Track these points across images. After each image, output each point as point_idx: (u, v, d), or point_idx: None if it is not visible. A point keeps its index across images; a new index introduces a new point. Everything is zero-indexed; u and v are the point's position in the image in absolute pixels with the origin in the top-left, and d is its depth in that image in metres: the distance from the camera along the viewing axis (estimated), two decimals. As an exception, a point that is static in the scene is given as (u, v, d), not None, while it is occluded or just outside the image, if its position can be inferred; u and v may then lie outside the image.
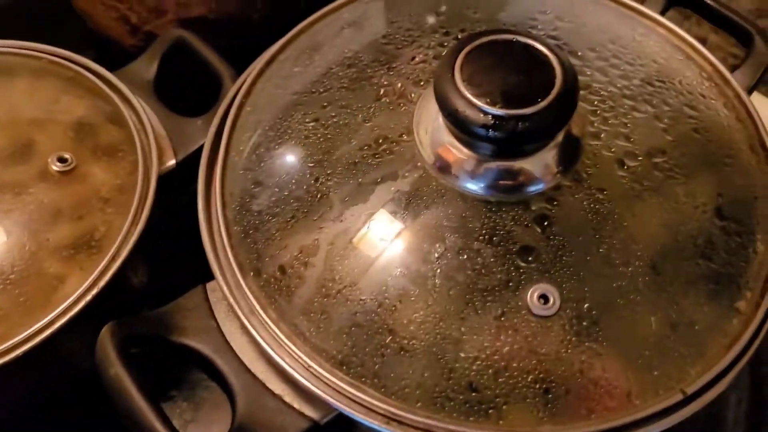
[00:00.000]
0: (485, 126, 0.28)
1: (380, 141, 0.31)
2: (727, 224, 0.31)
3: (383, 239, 0.29)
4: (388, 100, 0.33)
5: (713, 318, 0.28)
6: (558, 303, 0.28)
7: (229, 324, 0.30)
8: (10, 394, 0.35)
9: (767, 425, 0.37)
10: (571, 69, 0.29)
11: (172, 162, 0.37)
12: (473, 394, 0.27)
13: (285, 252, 0.30)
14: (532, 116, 0.27)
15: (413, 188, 0.30)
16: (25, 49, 0.40)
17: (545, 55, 0.29)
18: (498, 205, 0.29)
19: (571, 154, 0.30)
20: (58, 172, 0.36)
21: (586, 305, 0.28)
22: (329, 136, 0.32)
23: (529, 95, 0.28)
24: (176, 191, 0.38)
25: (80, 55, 0.41)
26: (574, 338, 0.27)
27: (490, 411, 0.27)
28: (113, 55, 0.49)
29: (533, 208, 0.29)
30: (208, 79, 0.42)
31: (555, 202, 0.29)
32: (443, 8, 0.37)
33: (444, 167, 0.30)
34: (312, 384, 0.27)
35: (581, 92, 0.30)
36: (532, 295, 0.28)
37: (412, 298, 0.28)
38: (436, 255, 0.28)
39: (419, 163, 0.30)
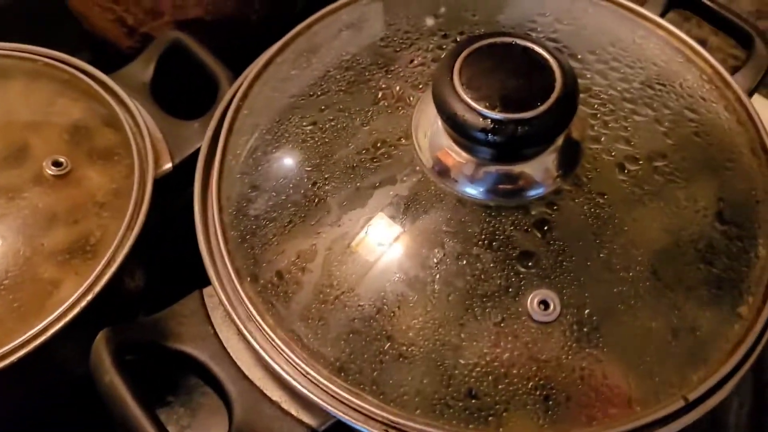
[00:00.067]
0: (484, 130, 0.27)
1: (378, 145, 0.31)
2: (729, 228, 0.30)
3: (381, 244, 0.29)
4: (386, 104, 0.32)
5: (715, 323, 0.28)
6: (558, 309, 0.27)
7: (226, 330, 0.30)
8: (4, 401, 0.35)
9: (768, 430, 0.37)
10: (571, 72, 0.28)
11: (168, 165, 0.37)
12: (473, 401, 0.27)
13: (282, 257, 0.30)
14: (532, 120, 0.27)
15: (412, 193, 0.30)
16: (19, 51, 0.40)
17: (545, 58, 0.28)
18: (497, 209, 0.29)
19: (571, 158, 0.30)
20: (53, 176, 0.35)
21: (586, 311, 0.28)
22: (327, 140, 0.32)
23: (528, 99, 0.27)
24: (172, 195, 0.38)
25: (76, 57, 0.41)
26: (574, 344, 0.27)
27: (490, 418, 0.27)
28: (109, 57, 0.48)
29: (533, 212, 0.29)
30: (204, 82, 0.41)
31: (555, 207, 0.29)
32: (442, 10, 0.36)
33: (443, 171, 0.30)
34: (310, 391, 0.27)
35: (581, 95, 0.30)
36: (532, 300, 0.27)
37: (411, 304, 0.28)
38: (435, 260, 0.28)
39: (418, 168, 0.30)
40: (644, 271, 0.28)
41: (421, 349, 0.27)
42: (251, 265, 0.30)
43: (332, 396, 0.27)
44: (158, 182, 0.36)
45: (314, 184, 0.31)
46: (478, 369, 0.27)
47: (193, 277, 0.33)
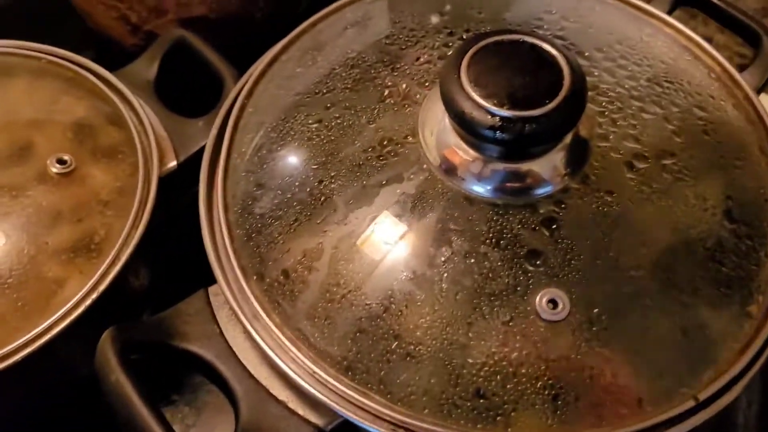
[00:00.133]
0: (492, 128, 0.27)
1: (385, 143, 0.31)
2: (738, 227, 0.30)
3: (388, 243, 0.29)
4: (392, 102, 0.32)
5: (725, 322, 0.28)
6: (567, 308, 0.27)
7: (231, 329, 0.30)
8: (8, 400, 0.35)
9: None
10: (580, 70, 0.28)
11: (173, 163, 0.37)
12: (481, 400, 0.26)
13: (288, 256, 0.30)
14: (540, 118, 0.27)
15: (419, 191, 0.29)
16: (24, 49, 0.40)
17: (553, 56, 0.28)
18: (505, 207, 0.29)
19: (579, 156, 0.30)
20: (58, 174, 0.35)
21: (595, 310, 0.27)
22: (333, 138, 0.32)
23: (536, 96, 0.27)
24: (177, 193, 0.38)
25: (80, 55, 0.41)
26: (583, 343, 0.27)
27: (499, 418, 0.26)
28: (113, 55, 0.48)
29: (541, 211, 0.29)
30: (209, 80, 0.41)
31: (563, 205, 0.29)
32: (447, 8, 0.36)
33: (450, 169, 0.30)
34: (317, 390, 0.27)
35: (589, 93, 0.30)
36: (540, 299, 0.27)
37: (419, 303, 0.28)
38: (443, 259, 0.28)
39: (425, 165, 0.30)
40: (653, 269, 0.28)
41: (429, 349, 0.27)
42: (257, 263, 0.30)
43: (339, 395, 0.27)
44: (163, 180, 0.36)
45: (320, 182, 0.31)
46: (486, 368, 0.27)
47: (198, 276, 0.33)
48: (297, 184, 0.31)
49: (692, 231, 0.29)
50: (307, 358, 0.27)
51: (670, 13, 0.38)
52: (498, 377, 0.27)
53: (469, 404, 0.26)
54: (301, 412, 0.28)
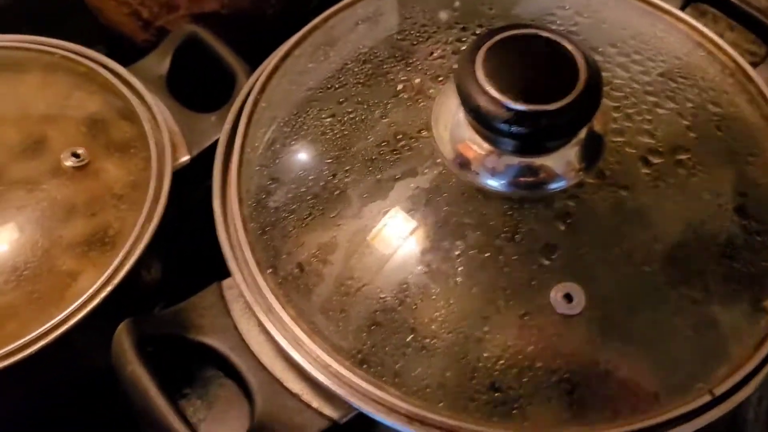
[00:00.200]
0: (508, 122, 0.27)
1: (398, 137, 0.31)
2: (750, 223, 0.30)
3: (402, 236, 0.29)
4: (405, 96, 0.32)
5: (739, 318, 0.28)
6: (582, 302, 0.27)
7: (245, 322, 0.30)
8: (21, 392, 0.35)
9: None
10: (595, 65, 0.28)
11: (186, 158, 0.37)
12: (496, 394, 0.26)
13: (303, 249, 0.30)
14: (556, 112, 0.27)
15: (433, 185, 0.29)
16: (37, 44, 0.40)
17: (568, 51, 0.28)
18: (520, 202, 0.29)
19: (593, 150, 0.30)
20: (71, 167, 0.35)
21: (610, 304, 0.27)
22: (346, 132, 0.32)
23: (552, 91, 0.27)
24: (189, 187, 0.38)
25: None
26: (598, 338, 0.27)
27: (513, 411, 0.26)
28: (123, 51, 0.48)
29: (556, 205, 0.29)
30: (220, 75, 0.41)
31: (578, 200, 0.29)
32: (458, 4, 0.36)
33: (464, 163, 0.30)
34: (332, 383, 0.27)
35: (603, 88, 0.30)
36: (555, 293, 0.27)
37: (433, 297, 0.28)
38: (458, 252, 0.28)
39: (438, 160, 0.30)
40: (667, 265, 0.28)
41: (444, 342, 0.27)
42: (271, 257, 0.30)
43: (354, 388, 0.27)
44: (176, 174, 0.36)
45: (334, 176, 0.31)
46: (501, 362, 0.27)
47: (209, 271, 0.33)
48: (311, 178, 0.31)
49: (706, 226, 0.29)
50: (322, 351, 0.27)
51: (683, 9, 0.38)
52: (513, 371, 0.27)
53: (484, 398, 0.27)
54: (315, 404, 0.28)
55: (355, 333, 0.28)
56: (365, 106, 0.32)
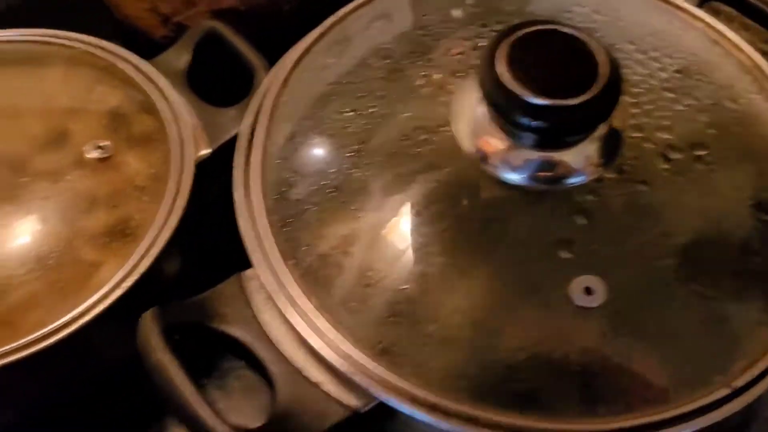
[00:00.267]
0: (529, 116, 0.27)
1: (419, 131, 0.31)
2: None
3: (423, 229, 0.29)
4: (425, 91, 0.33)
5: (757, 313, 0.28)
6: (601, 295, 0.27)
7: (266, 313, 0.30)
8: (43, 382, 0.35)
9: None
10: (616, 61, 0.28)
11: (206, 151, 0.37)
12: (515, 385, 0.27)
13: (324, 241, 0.30)
14: (577, 107, 0.27)
15: (453, 178, 0.30)
16: (59, 38, 0.41)
17: (589, 47, 0.28)
18: (539, 195, 0.29)
19: (612, 146, 0.30)
20: (94, 160, 0.36)
21: (628, 298, 0.28)
22: (367, 127, 0.32)
23: (573, 86, 0.28)
24: (207, 181, 0.38)
25: (110, 45, 0.41)
26: (616, 331, 0.27)
27: (533, 402, 0.27)
28: (140, 46, 0.49)
29: (575, 199, 0.29)
30: (237, 70, 0.42)
31: (597, 194, 0.29)
32: (476, 1, 0.36)
33: (484, 158, 0.30)
34: (353, 373, 0.27)
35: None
36: (574, 287, 0.27)
37: (454, 288, 0.28)
38: (479, 245, 0.28)
39: (459, 154, 0.30)
40: (686, 259, 0.28)
41: (464, 333, 0.28)
42: (293, 248, 0.30)
43: (376, 378, 0.27)
44: (196, 167, 0.36)
45: (355, 169, 0.31)
46: (520, 353, 0.27)
47: (224, 264, 0.34)
48: (332, 171, 0.31)
49: (724, 222, 0.30)
50: (344, 341, 0.28)
51: (700, 6, 0.38)
52: (532, 362, 0.27)
53: (503, 388, 0.27)
54: (336, 394, 0.28)
55: (376, 324, 0.28)
56: (386, 101, 0.33)
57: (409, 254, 0.29)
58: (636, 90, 0.32)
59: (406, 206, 0.30)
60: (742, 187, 0.31)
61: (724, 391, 0.26)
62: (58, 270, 0.34)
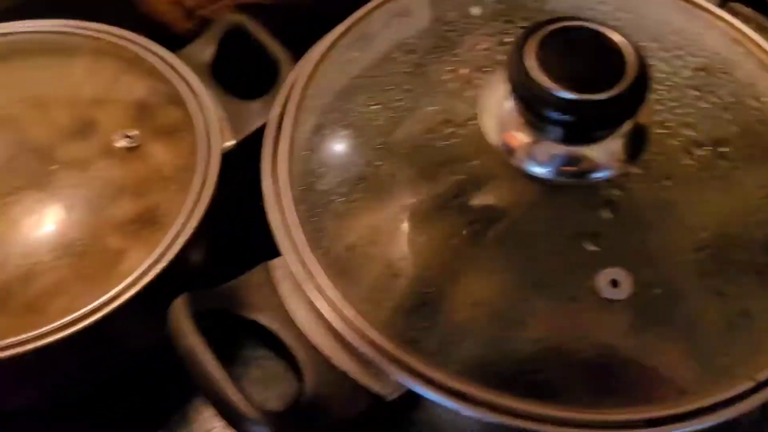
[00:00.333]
0: (558, 110, 0.28)
1: (445, 125, 0.32)
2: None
3: (450, 221, 0.30)
4: (452, 86, 0.33)
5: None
6: (627, 288, 0.28)
7: (293, 301, 0.30)
8: (67, 368, 0.36)
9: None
10: (644, 57, 0.29)
11: (231, 143, 0.38)
12: (539, 375, 0.27)
13: (352, 231, 0.30)
14: (606, 102, 0.28)
15: (480, 171, 0.30)
16: (85, 29, 0.41)
17: (618, 43, 0.29)
18: (565, 189, 0.30)
19: (638, 142, 0.30)
20: (123, 149, 0.36)
21: (653, 291, 0.28)
22: (394, 119, 0.32)
23: (602, 81, 0.28)
24: (232, 172, 0.39)
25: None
26: (641, 323, 0.28)
27: (555, 392, 0.27)
28: (162, 40, 0.49)
29: (601, 193, 0.29)
30: (259, 64, 0.42)
31: (622, 189, 0.29)
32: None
33: (510, 151, 0.30)
34: (381, 361, 0.27)
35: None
36: (601, 279, 0.28)
37: (481, 279, 0.28)
38: (506, 237, 0.29)
39: (485, 147, 0.31)
40: (710, 254, 0.29)
41: (490, 324, 0.28)
42: (321, 238, 0.30)
43: (403, 366, 0.27)
44: (223, 158, 0.37)
45: (382, 161, 0.31)
46: (544, 344, 0.28)
47: (247, 254, 0.34)
48: (359, 162, 0.32)
49: (748, 218, 0.30)
50: (371, 330, 0.28)
51: (721, 6, 0.39)
52: (555, 353, 0.27)
53: (527, 378, 0.27)
54: (363, 382, 0.28)
55: (403, 313, 0.29)
56: (412, 95, 0.33)
57: (436, 245, 0.29)
58: (660, 87, 0.32)
59: (432, 198, 0.30)
60: (766, 185, 0.31)
61: (747, 384, 0.26)
62: (85, 257, 0.35)
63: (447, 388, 0.27)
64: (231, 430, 0.37)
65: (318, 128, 0.34)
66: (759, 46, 0.36)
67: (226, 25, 0.42)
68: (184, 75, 0.39)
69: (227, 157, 0.38)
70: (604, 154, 0.30)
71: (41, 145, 0.37)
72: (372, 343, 0.28)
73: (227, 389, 0.26)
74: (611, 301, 0.28)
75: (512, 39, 0.34)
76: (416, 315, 0.29)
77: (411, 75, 0.34)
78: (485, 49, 0.34)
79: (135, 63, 0.40)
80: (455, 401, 0.27)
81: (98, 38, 0.41)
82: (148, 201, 0.36)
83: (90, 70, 0.40)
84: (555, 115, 0.28)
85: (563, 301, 0.28)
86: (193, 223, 0.34)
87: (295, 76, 0.36)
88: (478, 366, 0.28)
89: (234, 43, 0.43)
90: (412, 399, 0.28)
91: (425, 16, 0.37)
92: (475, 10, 0.36)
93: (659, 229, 0.29)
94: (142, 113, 0.38)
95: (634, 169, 0.30)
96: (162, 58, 0.40)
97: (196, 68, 0.40)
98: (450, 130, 0.32)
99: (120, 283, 0.33)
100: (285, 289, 0.31)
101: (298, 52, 0.39)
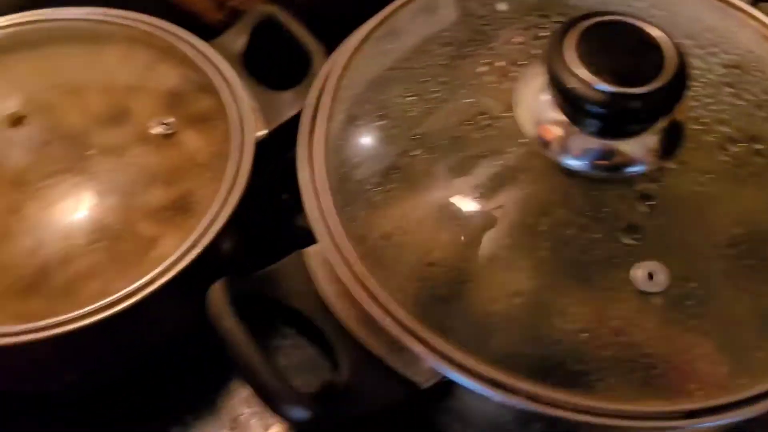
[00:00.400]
0: (597, 103, 0.28)
1: (481, 117, 0.32)
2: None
3: (487, 211, 0.30)
4: (488, 78, 0.33)
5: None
6: (664, 281, 0.28)
7: (329, 289, 0.31)
8: (101, 353, 0.36)
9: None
10: (683, 53, 0.29)
11: (263, 132, 0.38)
12: (577, 365, 0.27)
13: (387, 220, 0.31)
14: (646, 96, 0.28)
15: (517, 163, 0.30)
16: (119, 17, 0.41)
17: (657, 38, 0.29)
18: (602, 182, 0.30)
19: (673, 137, 0.31)
20: (157, 136, 0.37)
21: (689, 285, 0.28)
22: (430, 110, 0.33)
23: (641, 76, 0.28)
24: (263, 162, 0.39)
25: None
26: (677, 316, 0.28)
27: (593, 384, 0.27)
28: (193, 30, 0.50)
29: (637, 187, 0.30)
30: (290, 55, 0.42)
31: (658, 183, 0.30)
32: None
33: (547, 144, 0.30)
34: (418, 348, 0.28)
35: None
36: (637, 271, 0.28)
37: (518, 270, 0.29)
38: (542, 228, 0.29)
39: (522, 139, 0.31)
40: (745, 249, 0.29)
41: (525, 314, 0.28)
42: (356, 226, 0.31)
43: (440, 354, 0.28)
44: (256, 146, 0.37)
45: (418, 151, 0.32)
46: (583, 335, 0.28)
47: (277, 244, 0.35)
48: (395, 153, 0.32)
49: (784, 215, 0.30)
50: (408, 318, 0.28)
51: (754, 5, 0.39)
52: (594, 344, 0.28)
53: (565, 369, 0.27)
54: (398, 369, 0.29)
55: (439, 302, 0.29)
56: (448, 87, 0.33)
57: (472, 235, 0.30)
58: (695, 84, 0.32)
59: (468, 189, 0.30)
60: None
61: (785, 377, 0.27)
62: (119, 242, 0.35)
63: (484, 376, 0.27)
64: (259, 417, 0.37)
65: (353, 119, 0.34)
66: (792, 45, 0.36)
67: (258, 16, 0.42)
68: (217, 64, 0.40)
69: (259, 146, 0.38)
70: (640, 148, 0.30)
71: (77, 131, 0.37)
72: (409, 331, 0.28)
73: (267, 372, 0.27)
74: (647, 294, 0.28)
75: (547, 33, 0.34)
76: (452, 304, 0.29)
77: (446, 67, 0.34)
78: (520, 43, 0.34)
79: (168, 52, 0.40)
80: (493, 389, 0.27)
81: (132, 27, 0.41)
82: (182, 188, 0.36)
83: (123, 58, 0.40)
84: (594, 107, 0.28)
85: (600, 292, 0.28)
86: (228, 210, 0.34)
87: (330, 67, 0.36)
88: (513, 356, 0.28)
89: (265, 34, 0.43)
90: (445, 387, 0.29)
91: (459, 10, 0.37)
92: (504, 6, 0.37)
93: (694, 224, 0.29)
94: (175, 101, 0.39)
95: (670, 165, 0.30)
96: (195, 48, 0.40)
97: (228, 58, 0.41)
98: (486, 122, 0.32)
99: (153, 268, 0.34)
100: (320, 276, 0.31)
101: (326, 43, 0.40)
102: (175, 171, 0.36)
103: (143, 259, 0.35)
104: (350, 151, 0.33)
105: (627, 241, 0.29)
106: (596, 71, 0.28)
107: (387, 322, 0.28)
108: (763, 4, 0.43)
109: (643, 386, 0.27)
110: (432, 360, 0.28)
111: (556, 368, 0.28)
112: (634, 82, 0.28)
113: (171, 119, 0.37)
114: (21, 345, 0.32)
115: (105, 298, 0.33)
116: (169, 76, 0.40)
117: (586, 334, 0.28)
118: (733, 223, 0.29)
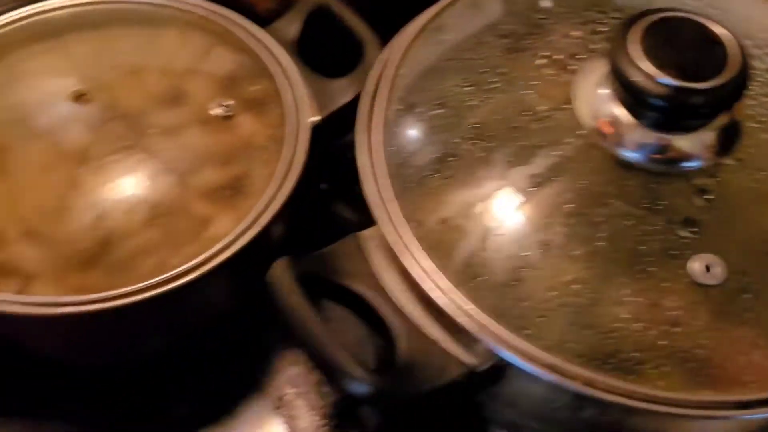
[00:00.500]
0: (660, 96, 0.29)
1: (540, 108, 0.32)
2: None
3: (545, 200, 0.30)
4: (546, 71, 0.34)
5: None
6: (721, 274, 0.28)
7: (385, 271, 0.31)
8: (150, 330, 0.37)
9: None
10: (745, 51, 0.29)
11: (317, 117, 0.39)
12: (633, 354, 0.28)
13: (446, 206, 0.31)
14: (709, 91, 0.28)
15: (575, 154, 0.31)
16: (178, 2, 0.42)
17: (720, 36, 0.30)
18: (660, 176, 0.30)
19: (731, 133, 0.31)
20: (216, 117, 0.38)
21: (746, 279, 0.29)
22: (488, 100, 0.33)
23: (704, 72, 0.29)
24: (316, 148, 0.40)
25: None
26: (733, 309, 0.28)
27: (648, 372, 0.28)
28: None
29: (695, 182, 0.30)
30: (343, 43, 0.43)
31: (715, 178, 0.30)
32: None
33: (605, 136, 0.31)
34: (477, 332, 0.28)
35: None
36: (695, 264, 0.28)
37: (574, 258, 0.29)
38: (599, 219, 0.30)
39: (580, 131, 0.31)
40: (802, 246, 0.30)
41: (583, 302, 0.29)
42: (415, 211, 0.31)
43: (498, 338, 0.28)
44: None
45: (477, 140, 0.32)
46: (638, 325, 0.28)
47: (328, 228, 0.35)
48: (453, 140, 0.33)
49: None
50: (466, 302, 0.29)
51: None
52: (650, 334, 0.28)
53: (619, 356, 0.28)
54: (453, 351, 0.29)
55: (496, 288, 0.29)
56: (506, 78, 0.34)
57: (530, 223, 0.30)
58: (753, 83, 0.33)
59: (526, 178, 0.31)
60: None
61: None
62: (175, 220, 0.36)
63: (541, 360, 0.28)
64: (304, 398, 0.38)
65: (411, 106, 0.35)
66: None
67: (311, 5, 0.43)
68: (272, 49, 0.40)
69: (314, 131, 0.39)
70: (697, 144, 0.31)
71: (137, 111, 0.38)
72: (467, 314, 0.29)
73: (332, 347, 0.27)
74: (705, 286, 0.28)
75: (605, 29, 0.35)
76: (510, 290, 0.29)
77: (505, 58, 0.35)
78: (578, 38, 0.35)
79: (224, 36, 0.41)
80: (550, 373, 0.28)
81: (189, 11, 0.42)
82: (238, 169, 0.37)
83: (180, 42, 0.41)
84: (656, 101, 0.29)
85: (655, 283, 0.29)
86: (285, 193, 0.35)
87: (387, 55, 0.37)
88: (572, 342, 0.28)
89: (316, 23, 0.44)
90: (500, 371, 0.29)
91: (517, 3, 0.38)
92: (557, 2, 0.37)
93: (751, 219, 0.30)
94: (230, 85, 0.39)
95: (727, 161, 0.31)
96: (250, 33, 0.41)
97: (282, 44, 0.41)
98: (544, 113, 0.32)
99: (207, 247, 0.34)
100: (377, 259, 0.32)
101: (381, 33, 0.40)
102: (232, 153, 0.37)
103: (197, 238, 0.36)
104: (408, 138, 0.34)
105: (684, 233, 0.29)
106: (660, 65, 0.29)
107: (446, 305, 0.29)
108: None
109: (696, 376, 0.28)
110: (491, 343, 0.28)
111: (611, 356, 0.28)
112: (697, 78, 0.29)
113: (230, 101, 0.38)
114: (80, 314, 0.33)
115: (162, 274, 0.34)
116: (224, 60, 0.40)
117: (642, 324, 0.28)
118: (789, 220, 0.30)
